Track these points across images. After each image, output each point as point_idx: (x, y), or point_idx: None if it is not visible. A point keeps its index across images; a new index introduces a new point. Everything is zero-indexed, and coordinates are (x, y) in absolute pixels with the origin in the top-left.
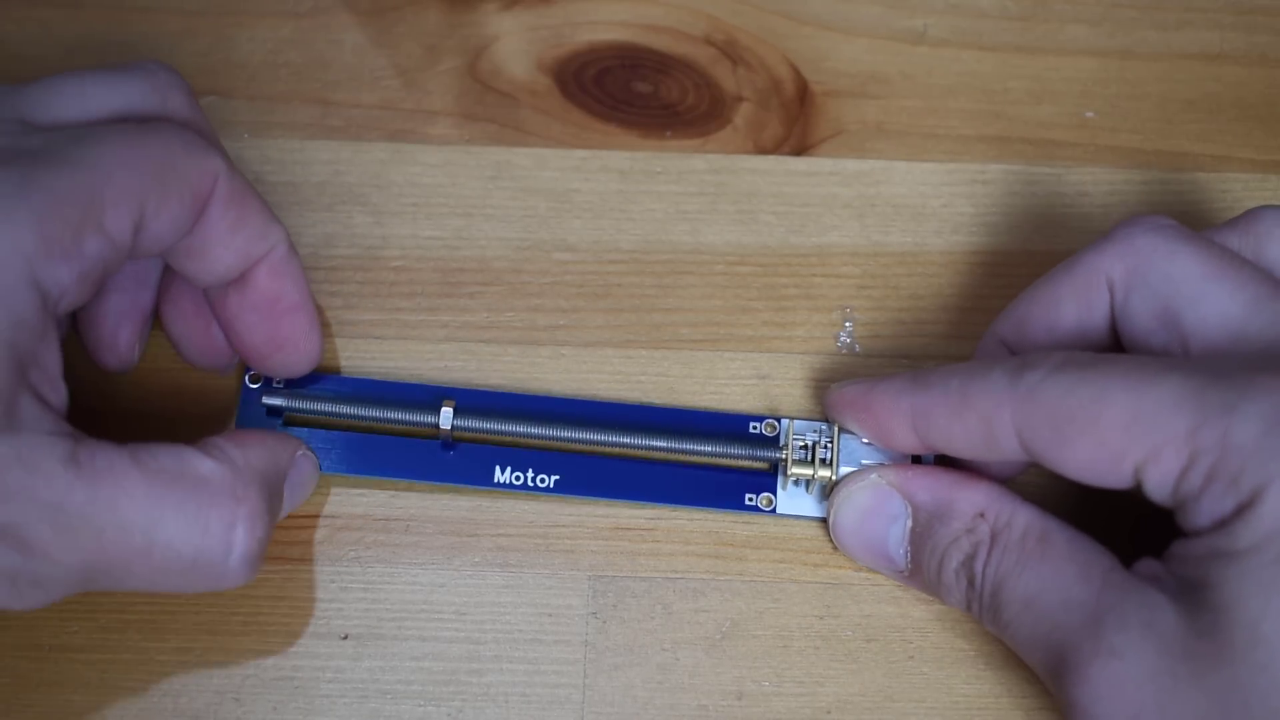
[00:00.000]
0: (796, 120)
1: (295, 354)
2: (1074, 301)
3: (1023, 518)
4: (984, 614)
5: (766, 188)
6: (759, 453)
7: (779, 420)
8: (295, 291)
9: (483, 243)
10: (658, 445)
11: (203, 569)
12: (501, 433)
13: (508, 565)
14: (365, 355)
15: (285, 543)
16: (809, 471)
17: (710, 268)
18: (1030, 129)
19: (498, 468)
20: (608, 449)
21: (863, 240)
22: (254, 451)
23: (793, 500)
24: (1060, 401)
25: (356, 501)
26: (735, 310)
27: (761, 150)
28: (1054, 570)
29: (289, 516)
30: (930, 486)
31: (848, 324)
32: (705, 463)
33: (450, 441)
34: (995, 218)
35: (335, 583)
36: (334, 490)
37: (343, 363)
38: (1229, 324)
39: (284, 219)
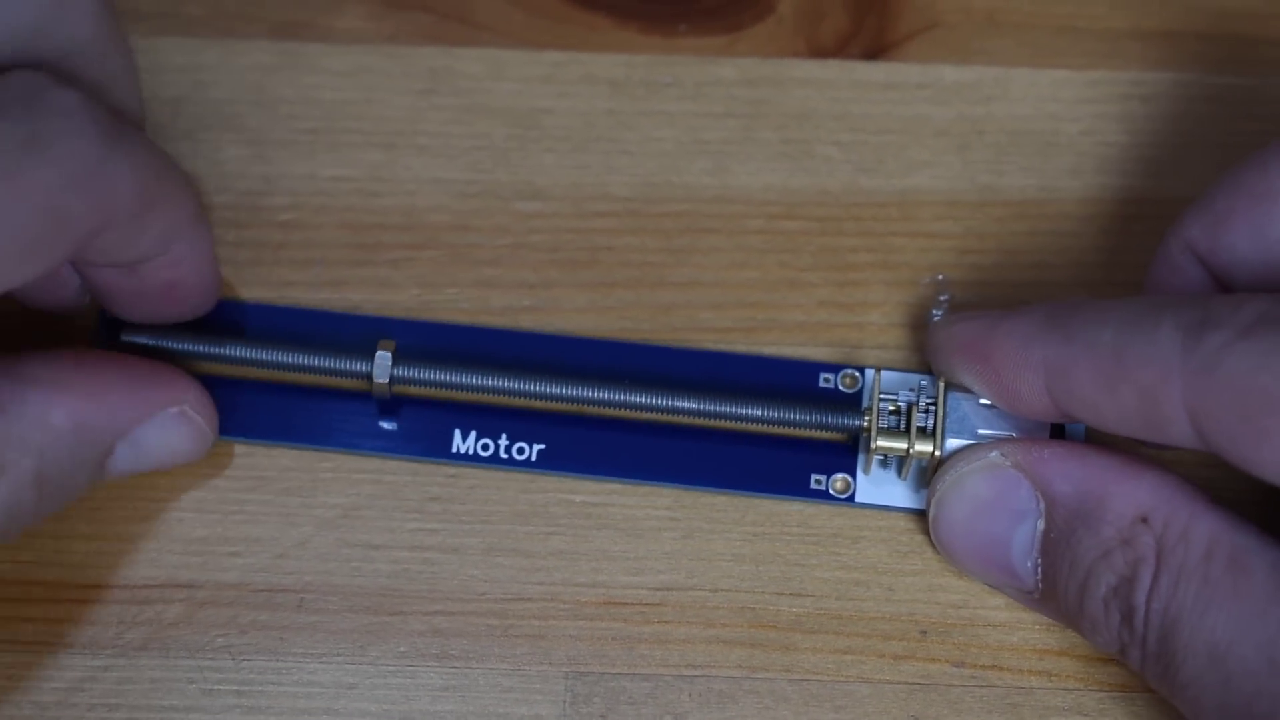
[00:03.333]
0: (870, 7)
1: (178, 315)
2: None
3: (1205, 528)
4: (1148, 665)
5: (825, 107)
6: (832, 418)
7: (861, 371)
8: (194, 276)
9: (411, 187)
10: (685, 406)
11: None
12: (461, 385)
13: (448, 657)
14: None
15: (119, 623)
16: (902, 445)
17: (743, 224)
18: (1212, 20)
19: (457, 433)
20: (612, 410)
21: (965, 183)
22: (71, 397)
23: (879, 486)
24: (1253, 378)
25: (227, 564)
26: (780, 285)
27: (818, 52)
28: (1255, 611)
29: (123, 586)
30: (1074, 473)
31: (943, 299)
32: (755, 431)
33: (390, 400)
34: (1158, 151)
35: (195, 684)
36: (196, 545)
37: None
38: None
39: None
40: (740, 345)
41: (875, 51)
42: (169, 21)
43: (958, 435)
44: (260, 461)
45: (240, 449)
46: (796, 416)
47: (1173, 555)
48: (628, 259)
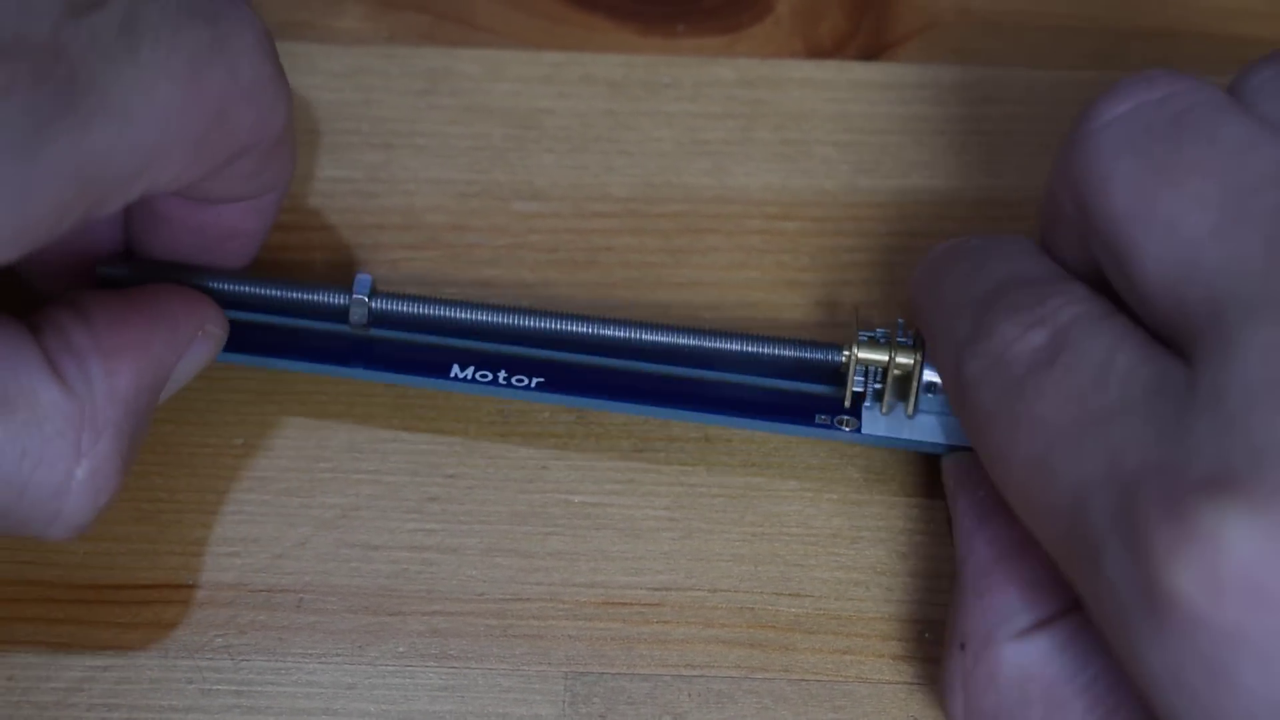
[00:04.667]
0: (868, 8)
1: (218, 263)
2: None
3: (1015, 663)
4: None
5: (824, 107)
6: (817, 351)
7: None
8: (260, 229)
9: (410, 187)
10: (677, 342)
11: (23, 515)
12: (444, 320)
13: (446, 657)
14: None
15: (118, 623)
16: (882, 356)
17: (742, 224)
18: (1211, 20)
19: (456, 366)
20: (608, 345)
21: (964, 183)
22: (126, 359)
23: (879, 420)
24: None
25: (226, 564)
26: (778, 286)
27: (817, 53)
28: None
29: (121, 587)
30: (966, 555)
31: None
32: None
33: (364, 340)
34: None
35: (194, 684)
36: (195, 545)
37: None
38: None
39: None
40: None
41: (873, 52)
42: None
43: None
44: (259, 462)
45: (239, 449)
46: (782, 351)
47: (983, 696)
48: (627, 259)
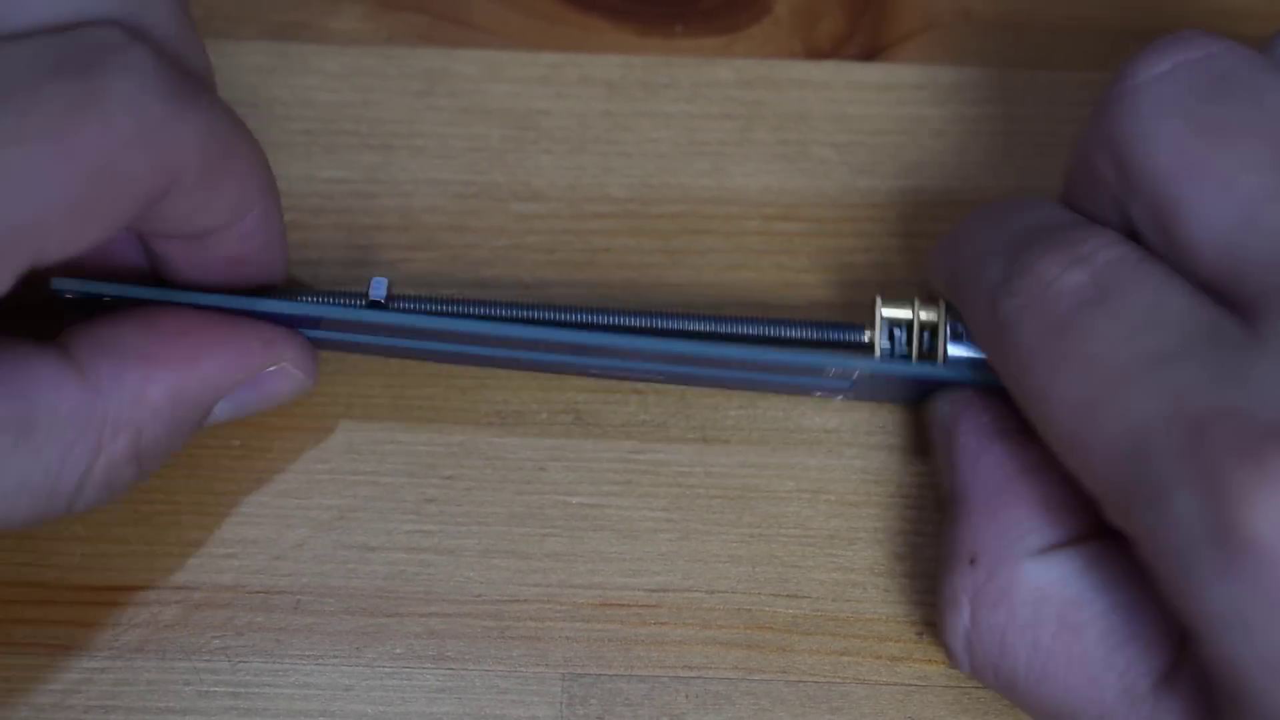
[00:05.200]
0: (866, 8)
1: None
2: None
3: (1031, 581)
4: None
5: (822, 108)
6: (835, 332)
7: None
8: (263, 251)
9: (408, 188)
10: (691, 328)
11: (39, 505)
12: (462, 313)
13: (444, 659)
14: None
15: (115, 625)
16: (906, 313)
17: (740, 224)
18: (1211, 20)
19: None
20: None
21: (962, 184)
22: (168, 368)
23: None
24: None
25: (223, 566)
26: (777, 287)
27: (815, 53)
28: (1087, 679)
29: (119, 588)
30: (961, 475)
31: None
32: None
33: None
34: None
35: (191, 686)
36: (192, 547)
37: None
38: None
39: None
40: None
41: (872, 52)
42: None
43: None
44: (256, 464)
45: (237, 450)
46: (799, 332)
47: (993, 612)
48: (625, 260)
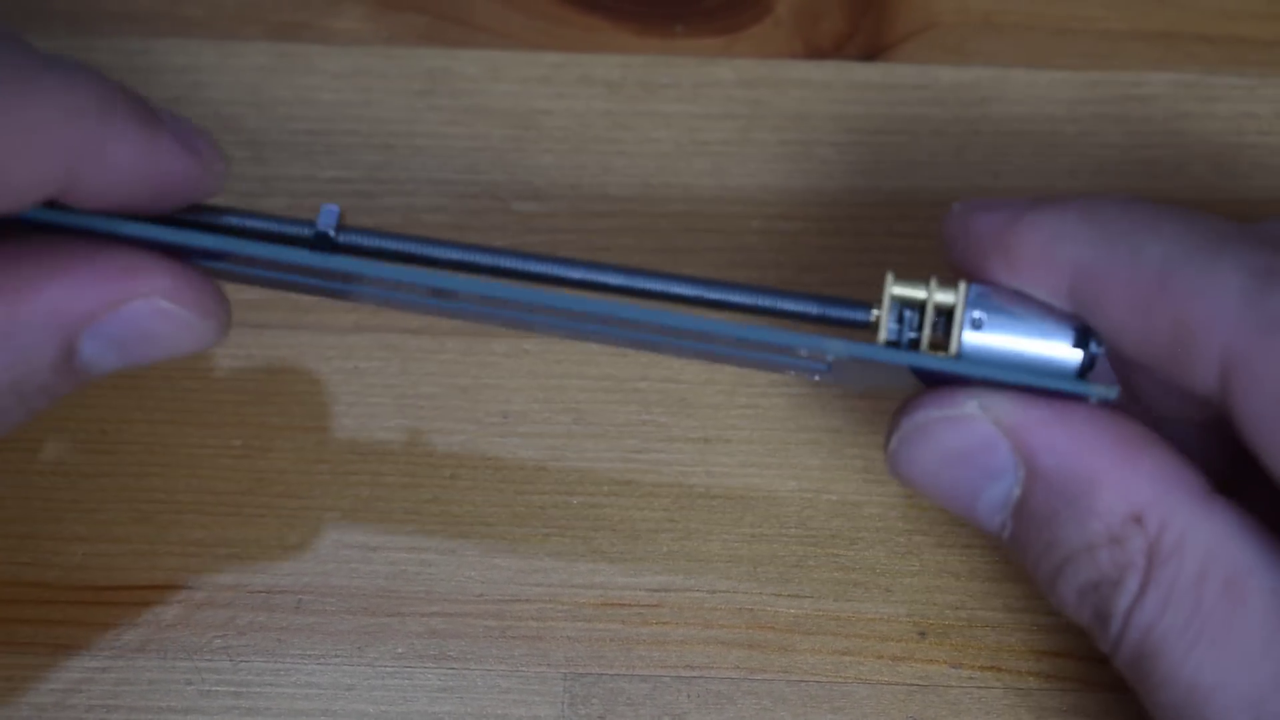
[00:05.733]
0: (867, 8)
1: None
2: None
3: (1204, 538)
4: (1120, 665)
5: (823, 107)
6: (838, 309)
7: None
8: (165, 167)
9: (409, 188)
10: (681, 291)
11: None
12: (420, 256)
13: (445, 658)
14: (240, 352)
15: (117, 625)
16: (921, 293)
17: (741, 223)
18: (1210, 21)
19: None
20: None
21: (963, 184)
22: None
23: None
24: None
25: (224, 566)
26: (777, 286)
27: (816, 53)
28: (1245, 656)
29: (121, 588)
30: (1064, 448)
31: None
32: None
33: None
34: (1156, 152)
35: (193, 685)
36: (194, 546)
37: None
38: None
39: None
40: None
41: (872, 52)
42: (167, 23)
43: (982, 306)
44: (258, 464)
45: (238, 450)
46: (796, 305)
47: (1164, 569)
48: (626, 259)
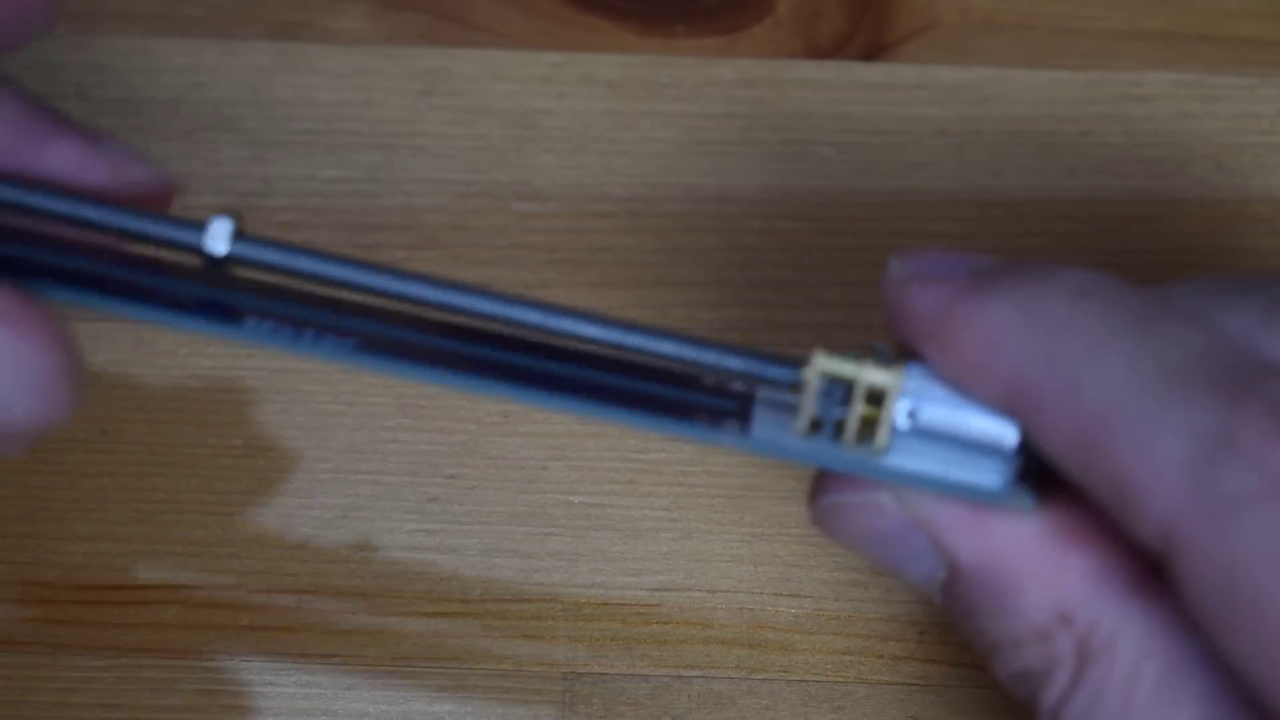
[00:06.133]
0: (868, 8)
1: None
2: None
3: (1136, 634)
4: None
5: (823, 108)
6: (761, 364)
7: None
8: None
9: (410, 187)
10: (583, 331)
11: None
12: (304, 272)
13: (446, 658)
14: (241, 351)
15: (118, 624)
16: (849, 369)
17: (742, 224)
18: (1211, 21)
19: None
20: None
21: (964, 184)
22: None
23: (791, 435)
24: (1268, 564)
25: (225, 565)
26: (776, 286)
27: (816, 53)
28: None
29: (121, 588)
30: (984, 549)
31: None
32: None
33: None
34: (1157, 152)
35: (193, 685)
36: (195, 546)
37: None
38: None
39: None
40: None
41: (873, 52)
42: (167, 22)
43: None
44: (258, 464)
45: (239, 450)
46: (713, 358)
47: (1094, 667)
48: (626, 259)
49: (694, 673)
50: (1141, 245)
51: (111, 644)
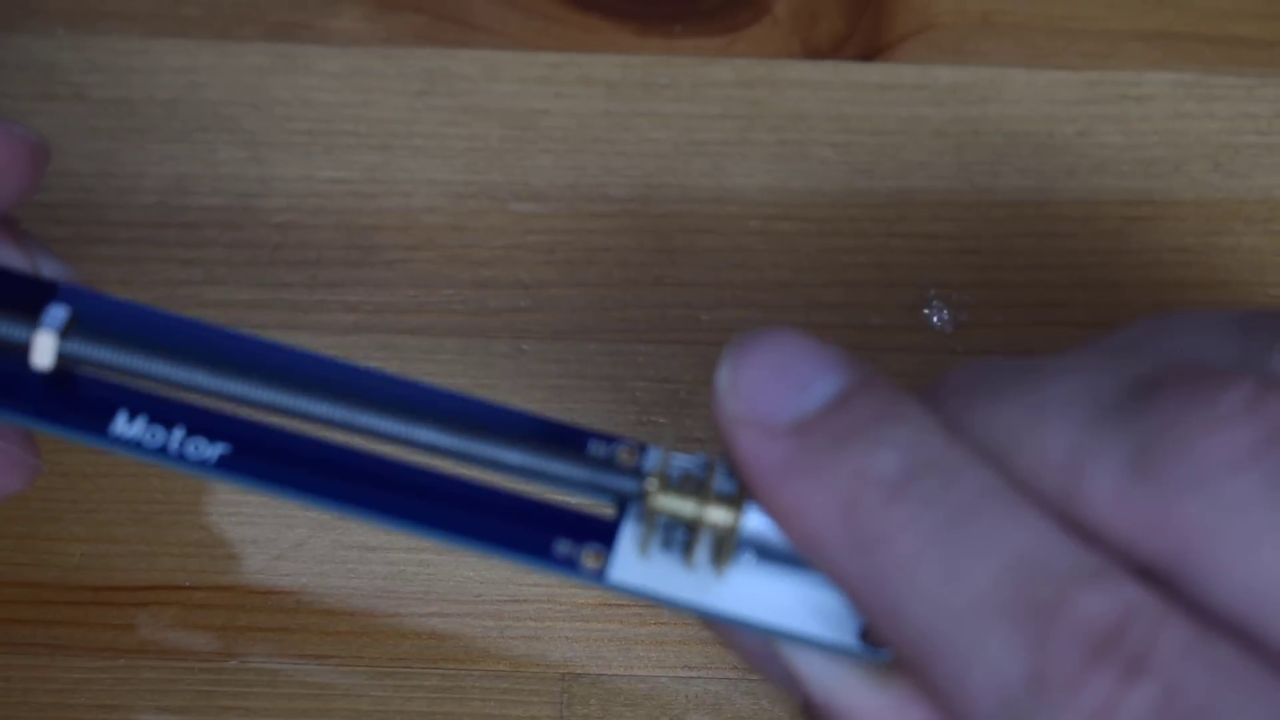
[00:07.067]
0: (865, 8)
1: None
2: None
3: None
4: None
5: (821, 108)
6: (599, 477)
7: (643, 449)
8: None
9: (408, 188)
10: (421, 438)
11: None
12: (140, 371)
13: (444, 658)
14: None
15: (116, 625)
16: (688, 507)
17: (740, 224)
18: (1209, 21)
19: (124, 412)
20: (328, 423)
21: (962, 184)
22: None
23: (649, 567)
24: None
25: (223, 566)
26: (775, 286)
27: (814, 53)
28: None
29: (119, 588)
30: (831, 689)
31: (936, 305)
32: (500, 484)
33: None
34: (1155, 152)
35: (191, 686)
36: (193, 547)
37: None
38: None
39: (118, 150)
40: None
41: (871, 53)
42: (165, 23)
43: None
44: None
45: None
46: (556, 469)
47: None
48: (625, 260)
49: (692, 673)
50: (1139, 245)
51: (110, 644)
